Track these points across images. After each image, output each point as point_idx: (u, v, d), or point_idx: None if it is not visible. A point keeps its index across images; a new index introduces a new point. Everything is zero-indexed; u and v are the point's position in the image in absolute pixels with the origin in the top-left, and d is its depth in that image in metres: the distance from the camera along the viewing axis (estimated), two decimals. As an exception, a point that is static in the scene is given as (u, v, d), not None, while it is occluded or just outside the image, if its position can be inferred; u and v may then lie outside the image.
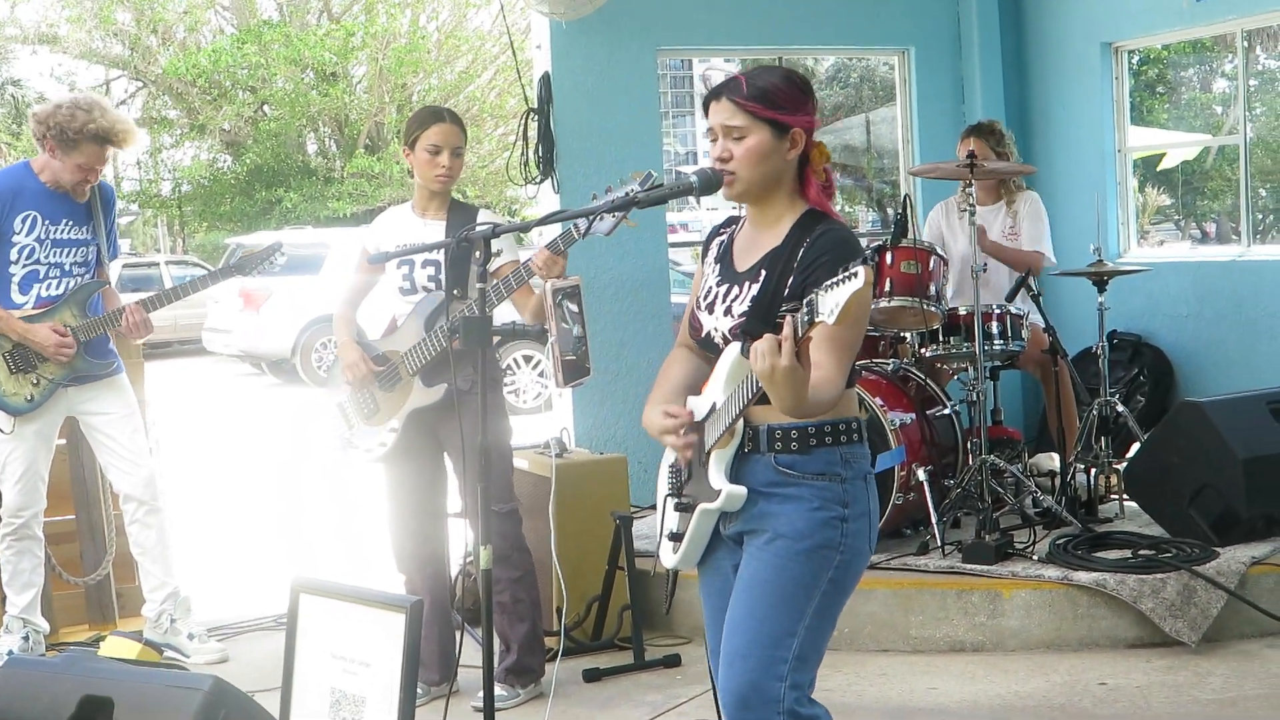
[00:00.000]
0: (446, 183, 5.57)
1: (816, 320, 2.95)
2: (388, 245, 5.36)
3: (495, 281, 5.25)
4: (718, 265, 3.56)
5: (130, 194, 34.54)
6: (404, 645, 3.12)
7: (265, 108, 32.22)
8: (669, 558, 3.54)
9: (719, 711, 3.46)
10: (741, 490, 3.35)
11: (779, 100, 3.39)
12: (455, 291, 5.41)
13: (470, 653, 5.72)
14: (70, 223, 6.00)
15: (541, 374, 15.10)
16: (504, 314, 5.32)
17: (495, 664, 5.49)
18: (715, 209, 36.79)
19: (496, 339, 4.22)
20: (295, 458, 11.95)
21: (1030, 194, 7.63)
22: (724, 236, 3.61)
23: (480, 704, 4.07)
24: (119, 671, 4.07)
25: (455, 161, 5.55)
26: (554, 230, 4.94)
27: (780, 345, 3.00)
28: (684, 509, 3.45)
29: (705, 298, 3.54)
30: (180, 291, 6.19)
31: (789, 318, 3.04)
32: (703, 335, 3.52)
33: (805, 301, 3.01)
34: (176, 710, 3.73)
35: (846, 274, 2.89)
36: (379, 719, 3.10)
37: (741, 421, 3.35)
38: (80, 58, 33.07)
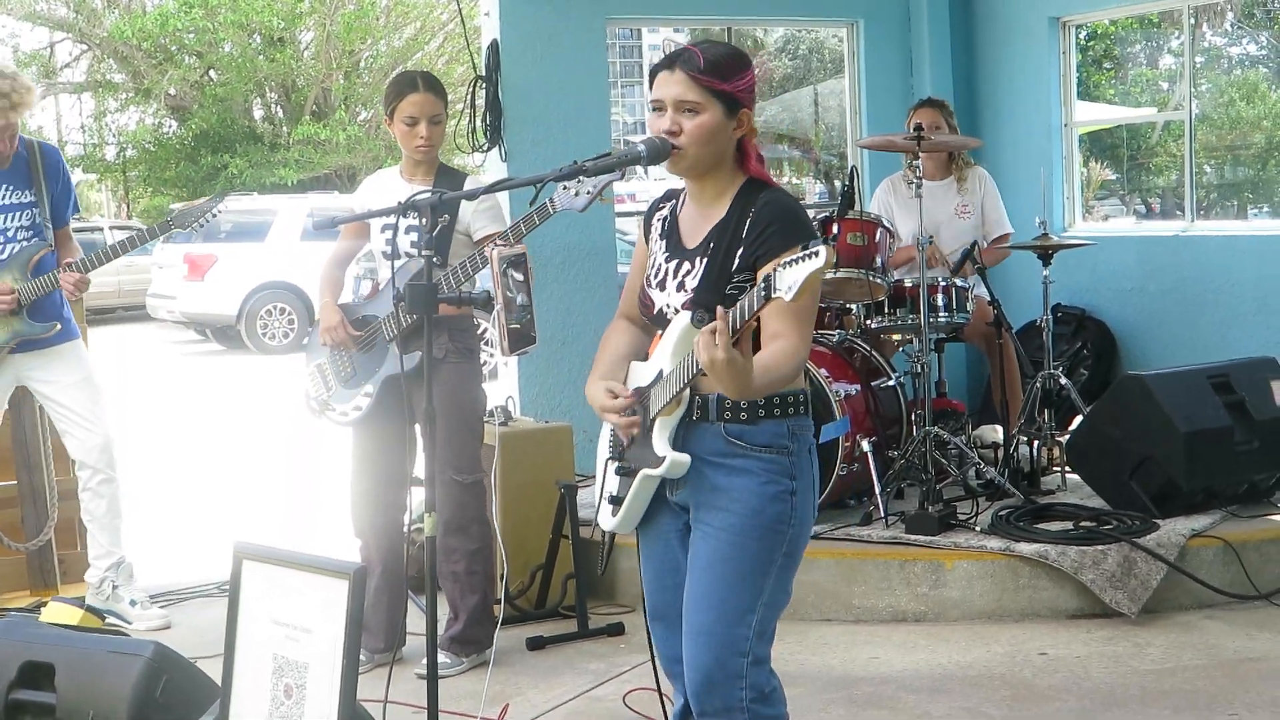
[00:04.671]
0: (428, 152, 5.53)
1: (773, 296, 2.93)
2: (374, 207, 5.33)
3: (472, 253, 5.25)
4: (664, 242, 3.54)
5: (74, 159, 34.17)
6: (347, 611, 3.11)
7: (211, 72, 31.95)
8: (607, 520, 3.53)
9: (657, 674, 3.49)
10: (685, 458, 3.34)
11: (732, 80, 3.36)
12: (435, 259, 5.37)
13: (416, 620, 5.71)
14: (9, 187, 5.94)
15: (488, 343, 15.04)
16: (484, 280, 5.29)
17: (441, 631, 5.50)
18: (663, 179, 36.78)
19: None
20: (239, 423, 11.88)
21: (981, 171, 7.66)
22: (664, 212, 3.59)
23: (424, 671, 4.06)
24: (60, 637, 4.05)
25: (434, 130, 5.51)
26: (504, 197, 4.94)
27: (716, 337, 2.98)
28: (625, 473, 3.45)
29: (656, 275, 3.52)
30: (118, 250, 6.06)
31: (720, 310, 3.03)
32: (655, 312, 3.51)
33: (763, 277, 3.00)
34: (118, 676, 3.73)
35: (807, 252, 2.88)
36: (321, 685, 3.09)
37: (688, 389, 3.34)
38: (25, 19, 32.65)
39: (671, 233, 3.54)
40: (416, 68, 31.05)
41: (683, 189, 3.58)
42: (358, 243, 5.75)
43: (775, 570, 3.37)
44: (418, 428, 5.63)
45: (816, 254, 2.87)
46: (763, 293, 2.97)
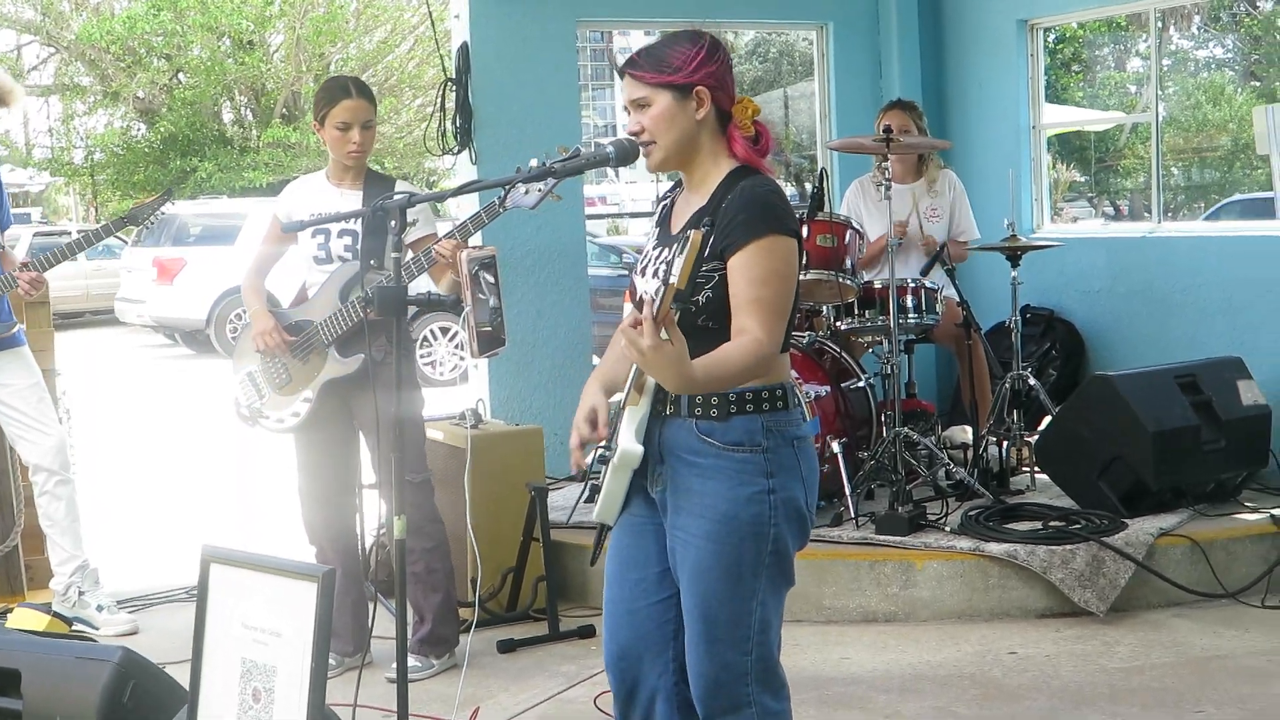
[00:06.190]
0: (359, 158, 5.53)
1: (670, 283, 2.91)
2: (301, 214, 5.32)
3: (413, 255, 5.24)
4: (657, 229, 3.55)
5: (42, 162, 34.00)
6: (316, 614, 3.09)
7: (180, 75, 31.77)
8: (595, 509, 3.52)
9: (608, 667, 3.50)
10: (637, 450, 3.31)
11: (675, 63, 3.34)
12: (371, 262, 5.37)
13: (384, 624, 5.70)
14: None
15: (459, 346, 15.05)
16: (419, 285, 5.30)
17: (409, 635, 5.49)
18: (634, 181, 36.80)
19: (412, 309, 4.20)
20: (208, 428, 11.84)
21: (951, 175, 7.68)
22: (668, 200, 3.58)
23: (394, 675, 4.06)
24: (27, 643, 4.03)
25: (366, 135, 5.51)
26: (472, 199, 4.92)
27: (639, 327, 2.93)
28: (604, 462, 3.43)
29: (642, 261, 3.52)
30: (73, 249, 6.02)
31: (645, 297, 3.01)
32: (638, 299, 3.50)
33: (666, 264, 3.00)
34: (86, 682, 3.70)
35: (686, 236, 2.90)
36: (290, 689, 3.08)
37: (653, 381, 3.29)
38: (-9, 23, 32.48)
39: (664, 221, 3.54)
40: (387, 71, 31.13)
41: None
42: (280, 249, 5.70)
43: (765, 570, 3.34)
44: (361, 430, 5.64)
45: (687, 238, 2.88)
46: (663, 281, 2.93)
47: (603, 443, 3.42)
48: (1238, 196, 19.27)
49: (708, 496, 3.30)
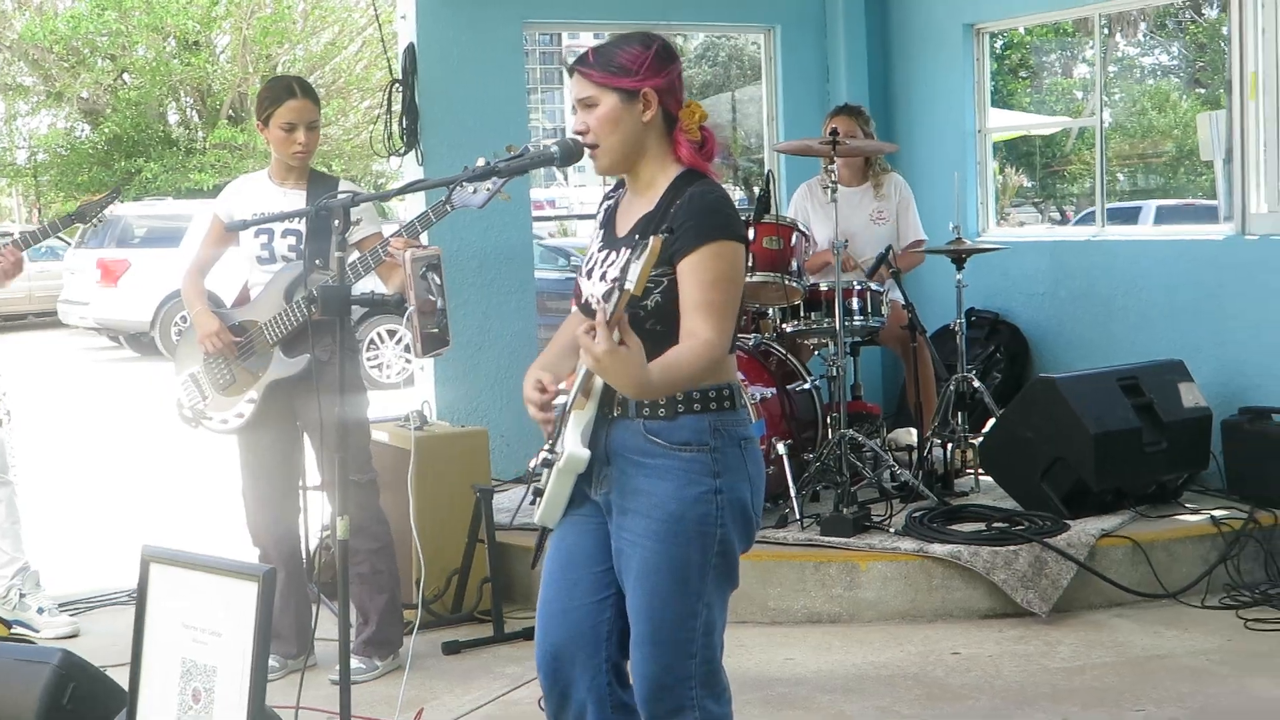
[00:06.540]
0: (304, 158, 5.52)
1: (625, 289, 2.91)
2: (243, 214, 5.30)
3: (359, 255, 5.23)
4: (601, 231, 3.54)
5: (-16, 163, 33.73)
6: (256, 614, 3.07)
7: (125, 76, 31.54)
8: (536, 512, 3.51)
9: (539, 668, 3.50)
10: (582, 454, 3.30)
11: (625, 65, 3.35)
12: (317, 262, 5.35)
13: (328, 626, 5.67)
14: None
15: (406, 349, 14.99)
16: (364, 285, 5.29)
17: (353, 636, 5.47)
18: (583, 185, 36.78)
19: (358, 309, 4.19)
20: (152, 431, 11.76)
21: (897, 178, 7.72)
22: (611, 202, 3.58)
23: (338, 677, 4.05)
24: (-35, 645, 3.99)
25: (311, 135, 5.49)
26: (419, 200, 4.91)
27: (594, 332, 2.93)
28: (548, 465, 3.42)
29: (587, 264, 3.51)
30: (18, 245, 5.98)
31: (599, 302, 3.01)
32: (582, 301, 3.50)
33: (621, 269, 3.00)
34: (25, 683, 3.68)
35: (644, 242, 2.90)
36: (230, 688, 3.06)
37: (602, 384, 3.29)
38: (-68, 22, 32.19)
39: (608, 223, 3.54)
40: (335, 73, 31.00)
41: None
42: (219, 250, 5.67)
43: (711, 571, 3.34)
44: (305, 431, 5.62)
45: (646, 244, 2.88)
46: (618, 286, 2.94)
47: (545, 445, 3.43)
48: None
49: (655, 496, 3.31)
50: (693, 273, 3.23)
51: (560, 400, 3.41)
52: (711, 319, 3.21)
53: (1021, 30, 22.63)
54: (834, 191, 6.65)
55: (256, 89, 30.36)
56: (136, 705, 3.22)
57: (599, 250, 3.50)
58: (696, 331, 3.19)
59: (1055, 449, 6.42)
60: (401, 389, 13.43)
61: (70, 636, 6.09)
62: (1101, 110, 8.74)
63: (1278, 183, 7.09)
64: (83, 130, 32.99)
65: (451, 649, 5.84)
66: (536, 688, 5.23)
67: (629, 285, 2.90)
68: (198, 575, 3.20)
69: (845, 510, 6.28)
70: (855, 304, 6.85)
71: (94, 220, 5.98)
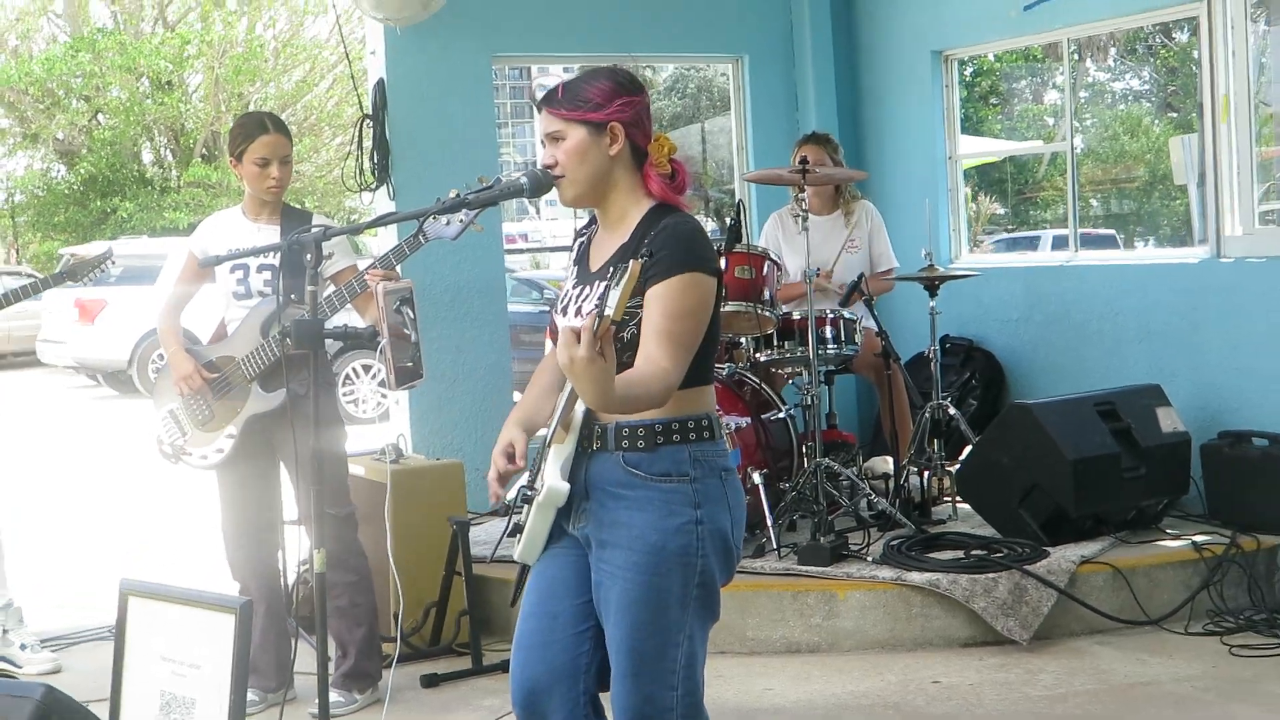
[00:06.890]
0: (278, 193, 5.54)
1: (605, 314, 2.91)
2: (218, 250, 5.28)
3: (334, 288, 5.22)
4: (575, 268, 3.54)
5: (-40, 205, 33.65)
6: (234, 646, 3.07)
7: (100, 116, 31.58)
8: (516, 549, 3.49)
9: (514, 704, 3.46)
10: (562, 488, 3.29)
11: (591, 99, 3.36)
12: (292, 296, 5.33)
13: (306, 659, 5.63)
14: None
15: (381, 384, 14.97)
16: (338, 318, 5.27)
17: (332, 670, 5.43)
18: (556, 218, 36.82)
19: (332, 343, 4.18)
20: (132, 467, 11.72)
21: (867, 205, 7.72)
22: (584, 239, 3.58)
23: (317, 710, 4.01)
24: (-61, 686, 3.95)
25: (284, 170, 5.50)
26: (391, 233, 4.90)
27: (579, 336, 2.91)
28: (528, 501, 3.40)
29: (562, 301, 3.51)
30: (7, 299, 6.05)
31: (592, 313, 3.00)
32: (564, 313, 3.50)
33: (600, 297, 3.00)
34: (8, 718, 3.64)
35: (623, 267, 2.90)
36: (206, 723, 3.05)
37: (582, 418, 3.30)
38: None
39: (582, 259, 3.54)
40: (307, 110, 31.04)
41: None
42: (194, 286, 5.66)
43: (692, 602, 3.32)
44: (282, 465, 5.61)
45: (625, 268, 2.88)
46: (599, 312, 2.93)
47: (525, 480, 3.41)
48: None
49: (635, 528, 3.29)
50: (660, 301, 3.22)
51: (541, 432, 3.40)
52: (669, 348, 3.19)
53: (990, 57, 22.73)
54: (805, 220, 6.65)
55: (229, 127, 30.49)
56: (114, 740, 3.20)
57: (574, 287, 3.50)
58: (654, 358, 3.18)
59: (1032, 475, 6.40)
60: (377, 423, 13.43)
61: (53, 672, 6.09)
62: (1073, 136, 8.78)
63: (1252, 205, 7.10)
64: (59, 171, 33.02)
65: (430, 682, 5.82)
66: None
67: (609, 311, 2.89)
68: (176, 608, 3.20)
69: (822, 539, 6.26)
70: (829, 332, 6.84)
71: (84, 280, 6.05)
